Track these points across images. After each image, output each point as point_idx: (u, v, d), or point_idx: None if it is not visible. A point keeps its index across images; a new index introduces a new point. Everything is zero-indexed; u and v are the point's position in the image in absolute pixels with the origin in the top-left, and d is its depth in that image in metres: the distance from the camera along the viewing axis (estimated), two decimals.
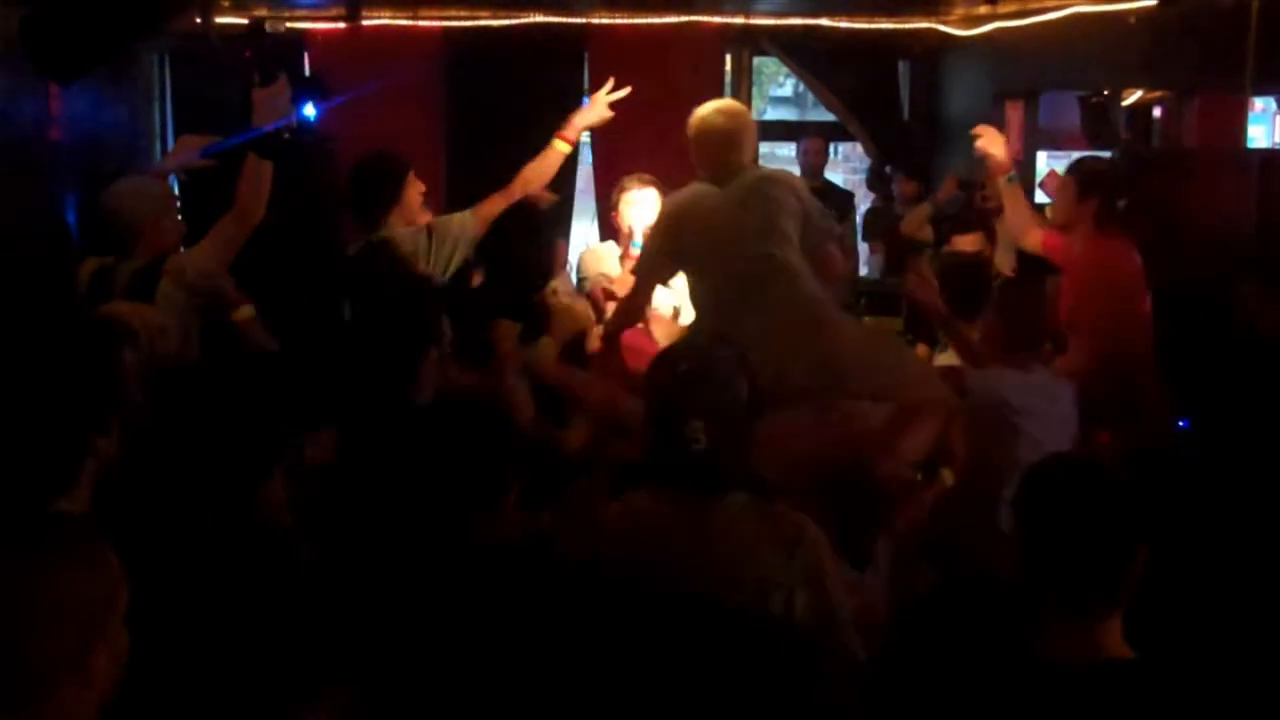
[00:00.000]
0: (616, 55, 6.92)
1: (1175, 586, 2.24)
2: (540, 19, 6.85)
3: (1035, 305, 4.14)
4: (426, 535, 2.46)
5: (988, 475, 3.62)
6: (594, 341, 4.50)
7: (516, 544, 2.54)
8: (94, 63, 3.89)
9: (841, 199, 7.49)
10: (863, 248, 7.80)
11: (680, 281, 4.96)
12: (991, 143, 4.94)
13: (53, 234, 4.89)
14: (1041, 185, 7.51)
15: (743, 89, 7.77)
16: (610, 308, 4.63)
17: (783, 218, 4.03)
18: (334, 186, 4.59)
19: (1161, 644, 2.07)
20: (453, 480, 2.50)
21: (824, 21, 7.15)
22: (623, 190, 5.06)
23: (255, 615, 2.23)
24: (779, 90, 16.26)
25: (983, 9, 6.59)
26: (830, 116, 8.03)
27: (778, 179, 4.24)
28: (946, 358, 4.52)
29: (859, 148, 8.00)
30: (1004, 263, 5.62)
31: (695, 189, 4.19)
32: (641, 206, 4.94)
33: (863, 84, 7.64)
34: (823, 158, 7.68)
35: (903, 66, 7.90)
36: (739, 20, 7.20)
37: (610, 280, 4.86)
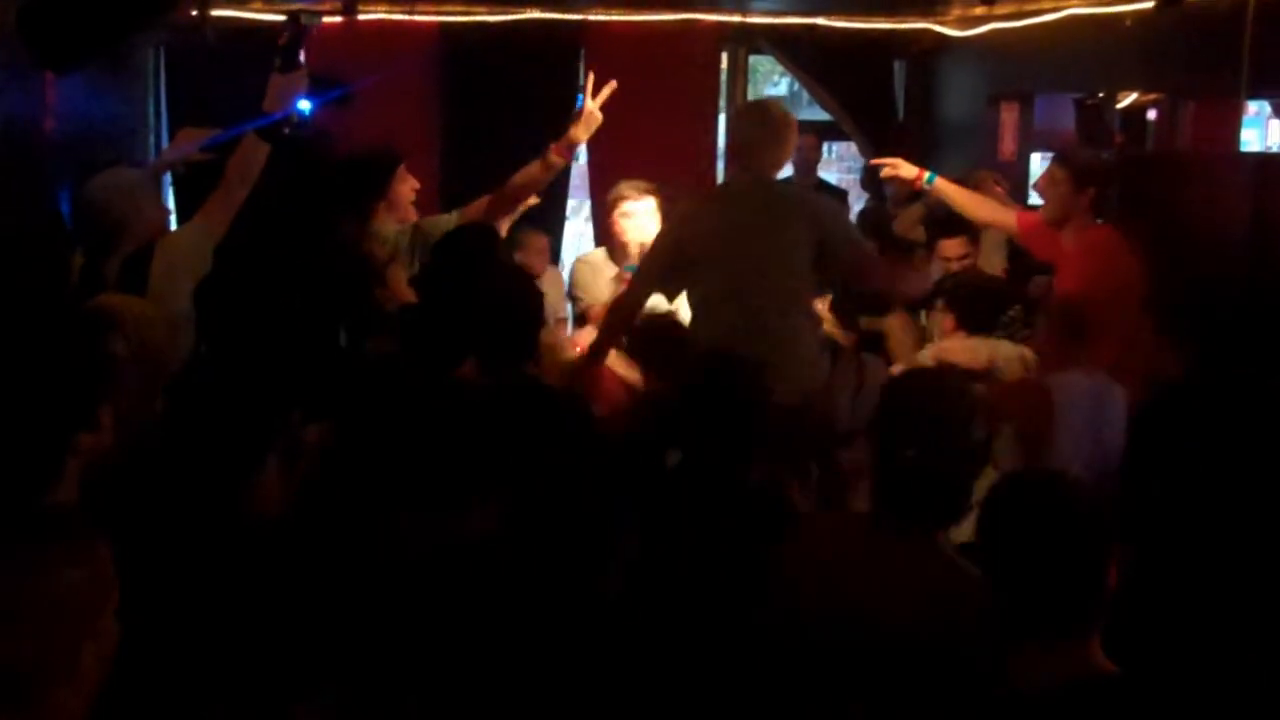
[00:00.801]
0: (612, 52, 6.92)
1: (1159, 593, 2.21)
2: (537, 15, 6.84)
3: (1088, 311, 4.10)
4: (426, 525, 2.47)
5: None
6: (572, 349, 4.48)
7: None
8: (92, 53, 3.88)
9: (835, 198, 7.49)
10: None
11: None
12: (893, 168, 4.98)
13: (46, 225, 4.87)
14: (1035, 186, 7.52)
15: (738, 87, 7.78)
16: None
17: (794, 246, 4.05)
18: (331, 181, 4.58)
19: (1146, 656, 2.04)
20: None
21: (820, 21, 7.16)
22: (620, 199, 5.00)
23: (246, 609, 2.23)
24: (774, 89, 16.30)
25: (979, 10, 6.59)
26: (825, 115, 8.04)
27: (798, 204, 4.25)
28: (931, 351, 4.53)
29: (853, 147, 8.01)
30: (991, 264, 5.63)
31: (705, 199, 4.25)
32: (640, 218, 4.88)
33: (858, 83, 7.65)
34: (816, 155, 7.71)
35: (898, 66, 7.91)
36: (736, 19, 7.21)
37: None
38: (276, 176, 3.87)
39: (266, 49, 3.93)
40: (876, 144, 7.72)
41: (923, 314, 5.18)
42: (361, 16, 6.59)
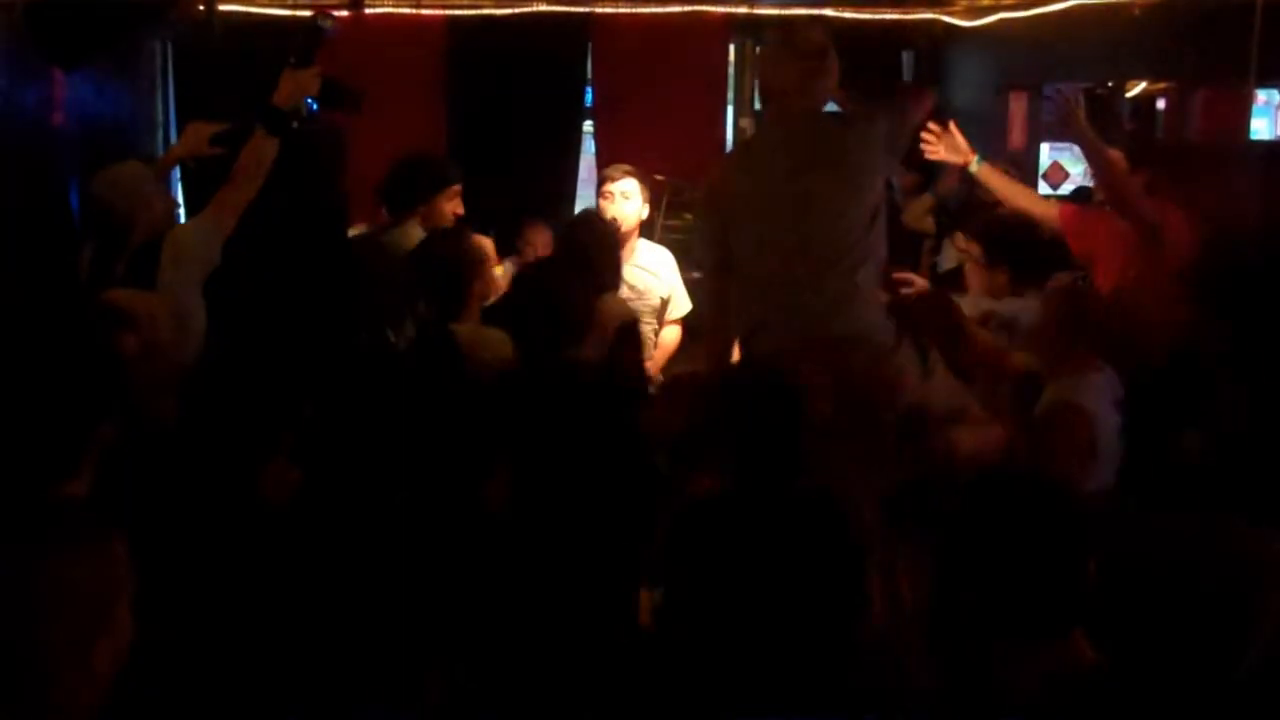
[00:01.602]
0: (620, 45, 6.93)
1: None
2: (544, 8, 6.85)
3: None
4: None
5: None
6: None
7: None
8: (99, 48, 3.89)
9: None
10: None
11: (669, 272, 4.94)
12: (942, 150, 4.68)
13: (55, 220, 4.89)
14: (1045, 176, 7.51)
15: (746, 79, 7.77)
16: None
17: (848, 184, 3.63)
18: (341, 175, 4.59)
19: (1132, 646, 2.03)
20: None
21: (828, 12, 7.14)
22: (605, 180, 4.98)
23: (259, 598, 2.25)
24: None
25: (987, 0, 6.58)
26: (833, 106, 8.02)
27: (852, 133, 3.83)
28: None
29: None
30: None
31: (737, 154, 3.90)
32: (617, 200, 4.83)
33: (866, 74, 7.62)
34: None
35: (907, 57, 7.90)
36: (743, 9, 7.20)
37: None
38: (286, 170, 3.87)
39: (275, 43, 3.93)
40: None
41: None
42: (369, 10, 6.61)
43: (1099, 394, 3.49)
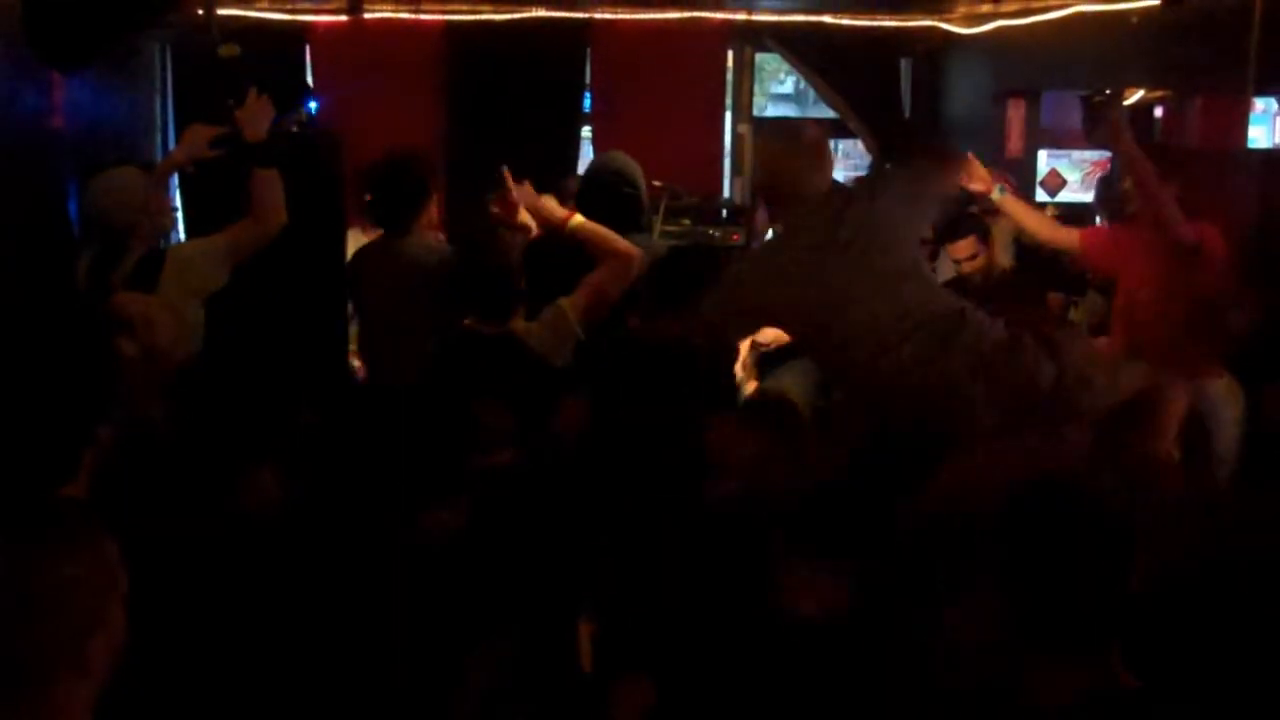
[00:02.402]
0: (618, 50, 6.94)
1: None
2: (543, 13, 6.85)
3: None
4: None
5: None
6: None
7: None
8: (97, 51, 3.88)
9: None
10: None
11: None
12: (970, 179, 4.52)
13: (53, 224, 4.88)
14: (1042, 183, 7.52)
15: (744, 85, 7.78)
16: None
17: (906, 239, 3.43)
18: (341, 179, 4.58)
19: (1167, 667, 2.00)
20: None
21: (827, 19, 7.15)
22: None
23: (246, 600, 2.24)
24: (780, 87, 16.25)
25: (985, 7, 6.60)
26: (831, 113, 8.04)
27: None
28: None
29: (860, 145, 8.01)
30: (1003, 260, 5.63)
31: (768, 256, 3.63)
32: None
33: (864, 81, 7.65)
34: None
35: (905, 64, 7.91)
36: (742, 16, 7.21)
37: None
38: (292, 182, 3.87)
39: (273, 48, 3.93)
40: (883, 142, 7.75)
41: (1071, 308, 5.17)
42: (367, 15, 6.61)
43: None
